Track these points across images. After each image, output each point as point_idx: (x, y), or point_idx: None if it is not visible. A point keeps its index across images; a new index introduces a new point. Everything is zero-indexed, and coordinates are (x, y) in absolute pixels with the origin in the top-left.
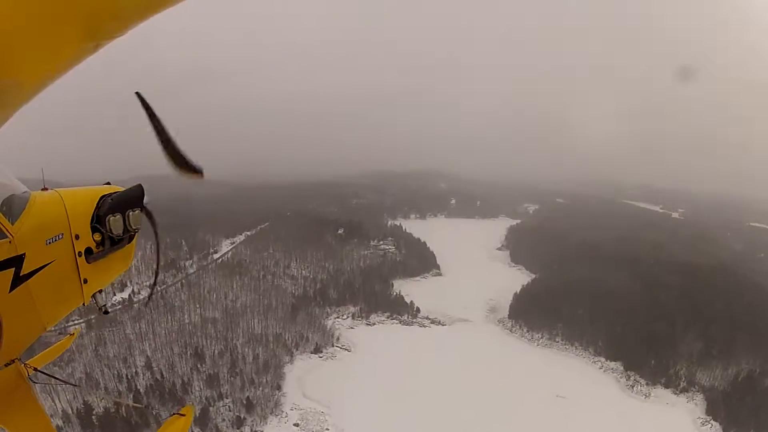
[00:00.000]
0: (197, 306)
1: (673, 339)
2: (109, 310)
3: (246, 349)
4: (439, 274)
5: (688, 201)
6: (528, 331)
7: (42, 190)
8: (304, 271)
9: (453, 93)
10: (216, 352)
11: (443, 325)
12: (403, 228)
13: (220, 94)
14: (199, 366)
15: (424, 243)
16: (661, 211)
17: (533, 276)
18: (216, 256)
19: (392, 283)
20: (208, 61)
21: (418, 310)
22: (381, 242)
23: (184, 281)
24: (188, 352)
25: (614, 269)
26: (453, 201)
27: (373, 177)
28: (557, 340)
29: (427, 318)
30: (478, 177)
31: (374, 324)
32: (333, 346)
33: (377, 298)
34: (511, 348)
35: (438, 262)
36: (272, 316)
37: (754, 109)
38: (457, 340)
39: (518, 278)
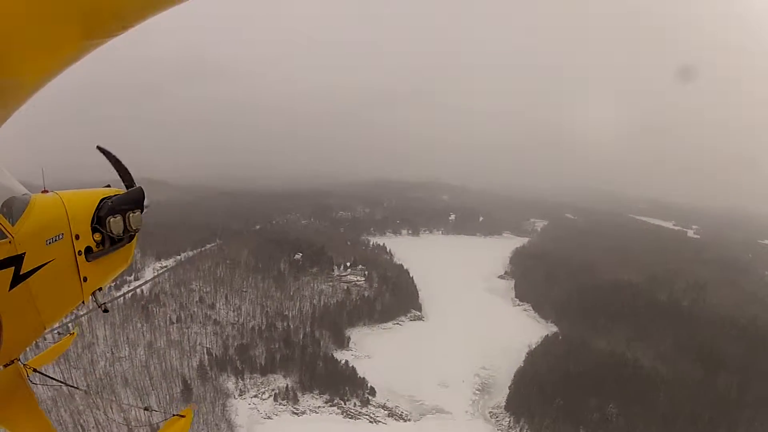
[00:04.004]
0: (62, 369)
1: None
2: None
3: None
4: (420, 318)
5: (697, 216)
6: None
7: (42, 192)
8: (232, 314)
9: (457, 97)
10: None
11: (406, 420)
12: (387, 249)
13: (212, 91)
14: None
15: (407, 271)
16: (675, 228)
17: (544, 325)
18: (129, 287)
19: (348, 337)
20: (201, 57)
21: (372, 392)
22: (348, 271)
23: (70, 325)
24: None
25: (654, 332)
26: (452, 216)
27: (369, 185)
28: None
29: (383, 407)
30: (484, 187)
31: (303, 413)
32: None
33: (317, 368)
34: None
35: (420, 299)
36: (158, 391)
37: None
38: None
39: (524, 329)
